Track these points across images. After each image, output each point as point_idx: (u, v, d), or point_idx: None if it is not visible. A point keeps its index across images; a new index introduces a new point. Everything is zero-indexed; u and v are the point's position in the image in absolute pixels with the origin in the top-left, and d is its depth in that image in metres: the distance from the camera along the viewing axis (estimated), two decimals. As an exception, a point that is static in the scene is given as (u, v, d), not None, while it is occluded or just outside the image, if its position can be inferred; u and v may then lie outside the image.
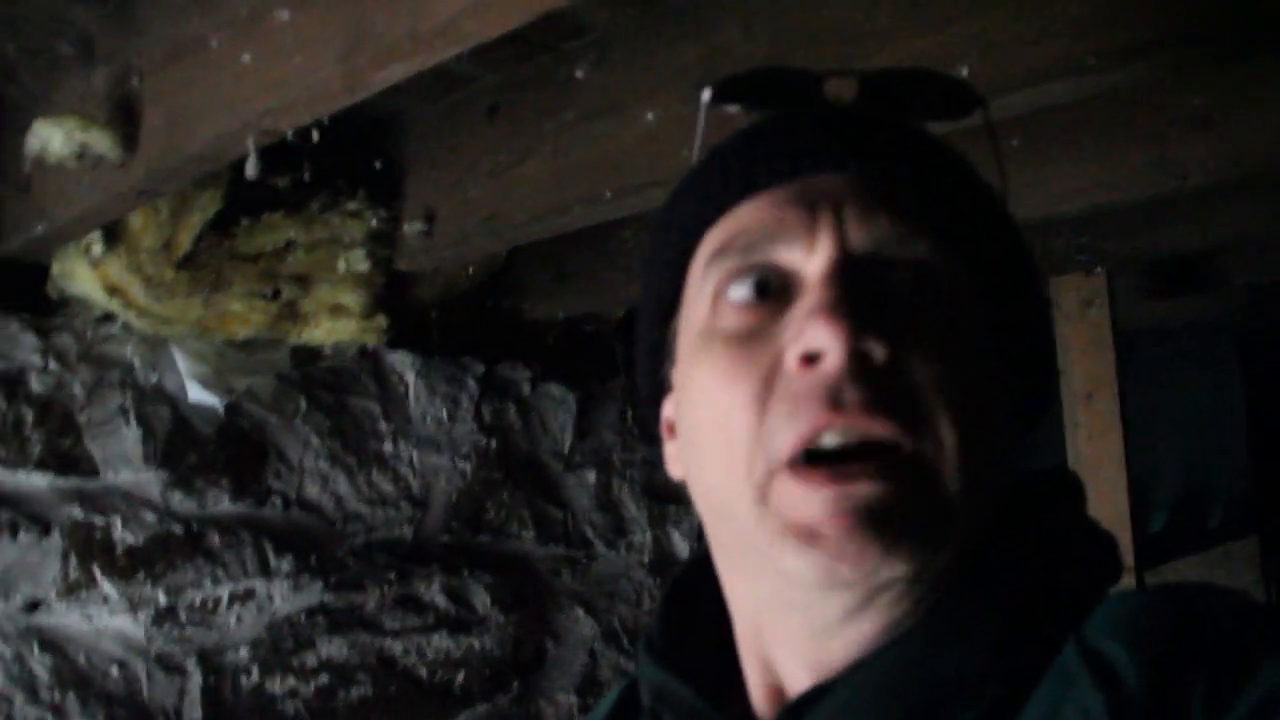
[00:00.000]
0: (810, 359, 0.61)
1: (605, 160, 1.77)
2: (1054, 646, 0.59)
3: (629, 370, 2.89)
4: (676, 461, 0.76)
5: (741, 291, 0.66)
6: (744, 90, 0.76)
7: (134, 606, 2.00)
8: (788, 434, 0.61)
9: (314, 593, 2.24)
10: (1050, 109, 1.89)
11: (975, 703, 0.59)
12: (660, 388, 0.78)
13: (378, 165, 2.10)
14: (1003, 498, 0.68)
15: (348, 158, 2.05)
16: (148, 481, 2.06)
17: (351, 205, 2.09)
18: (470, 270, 2.49)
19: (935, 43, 1.45)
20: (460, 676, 2.42)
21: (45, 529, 1.92)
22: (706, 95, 0.75)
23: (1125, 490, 2.51)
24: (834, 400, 0.60)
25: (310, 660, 2.21)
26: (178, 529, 2.08)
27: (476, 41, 1.16)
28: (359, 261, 2.10)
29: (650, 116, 1.69)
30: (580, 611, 2.69)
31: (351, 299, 2.13)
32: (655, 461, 2.89)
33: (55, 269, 1.95)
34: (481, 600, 2.49)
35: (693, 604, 0.78)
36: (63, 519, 1.95)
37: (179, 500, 2.09)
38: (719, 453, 0.65)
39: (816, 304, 0.61)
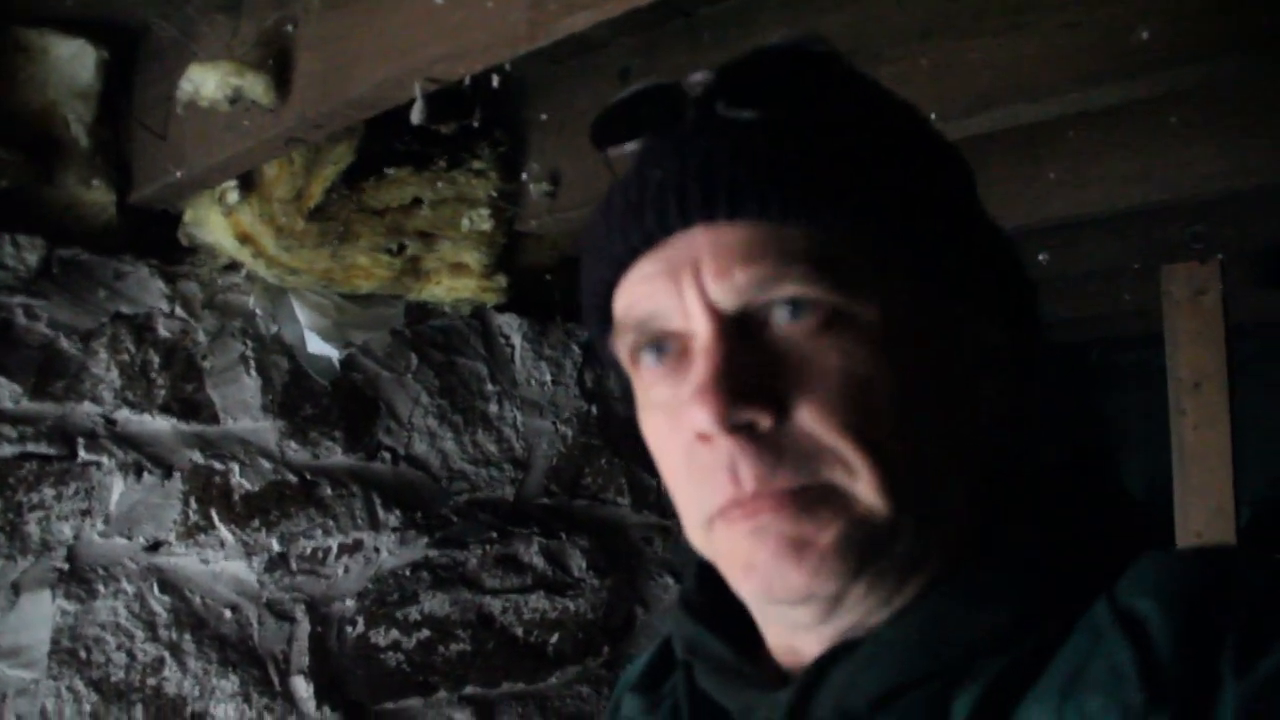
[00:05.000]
0: (702, 436, 0.64)
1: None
2: (1084, 605, 0.61)
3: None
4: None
5: (649, 360, 0.69)
6: (617, 127, 0.72)
7: (248, 552, 2.02)
8: (705, 503, 0.66)
9: (419, 548, 2.25)
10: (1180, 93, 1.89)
11: (1001, 656, 0.61)
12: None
13: (499, 129, 2.10)
14: (1007, 464, 0.71)
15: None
16: (264, 430, 2.08)
17: (478, 164, 2.09)
18: (573, 236, 2.49)
19: (1110, 14, 1.44)
20: (554, 638, 2.43)
21: (168, 472, 1.94)
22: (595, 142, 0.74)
23: (1230, 482, 2.48)
24: (732, 475, 0.63)
25: (413, 614, 2.22)
26: (292, 478, 2.09)
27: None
28: (483, 221, 2.11)
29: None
30: (670, 580, 2.69)
31: (473, 257, 2.13)
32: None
33: (188, 216, 1.96)
34: (577, 563, 2.49)
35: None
36: (184, 463, 1.97)
37: (294, 450, 2.10)
38: (675, 493, 0.70)
39: (693, 383, 0.63)
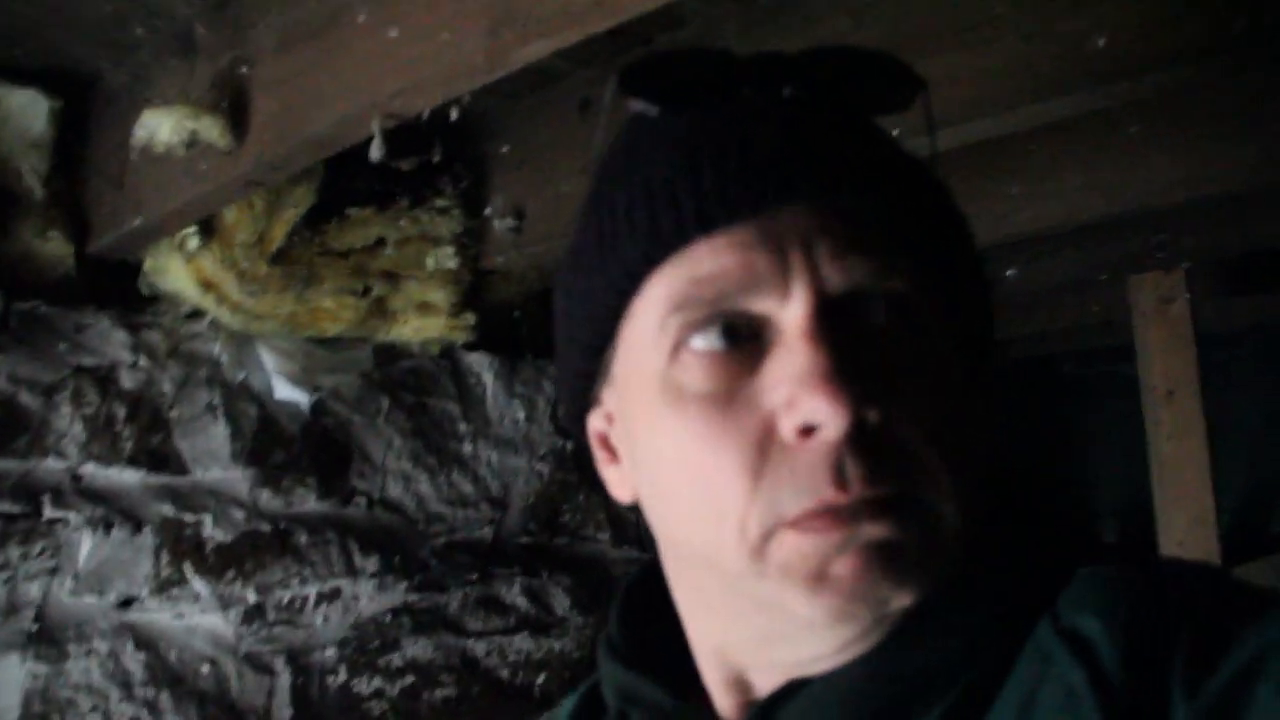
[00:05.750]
0: (807, 429, 0.58)
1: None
2: (1027, 628, 0.59)
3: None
4: (622, 485, 0.73)
5: (709, 342, 0.61)
6: (659, 81, 0.66)
7: (224, 605, 1.98)
8: (792, 505, 0.58)
9: (398, 593, 2.22)
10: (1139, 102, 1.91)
11: (952, 689, 0.59)
12: (586, 406, 0.73)
13: (461, 165, 2.09)
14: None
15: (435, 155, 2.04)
16: (235, 479, 2.04)
17: (441, 202, 2.08)
18: (541, 270, 2.48)
19: (1068, 26, 1.44)
20: (540, 678, 2.40)
21: (137, 526, 1.90)
22: (612, 86, 0.67)
23: (1209, 490, 2.48)
24: (838, 475, 0.57)
25: (395, 660, 2.18)
26: (265, 527, 2.06)
27: (632, 15, 1.15)
28: (448, 259, 2.09)
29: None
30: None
31: (440, 296, 2.11)
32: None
33: (148, 265, 1.93)
34: (560, 602, 2.46)
35: (648, 607, 0.77)
36: (154, 516, 1.93)
37: (266, 498, 2.07)
38: (699, 510, 0.62)
39: (809, 370, 0.58)
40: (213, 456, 2.02)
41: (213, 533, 1.99)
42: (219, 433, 2.03)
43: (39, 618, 1.77)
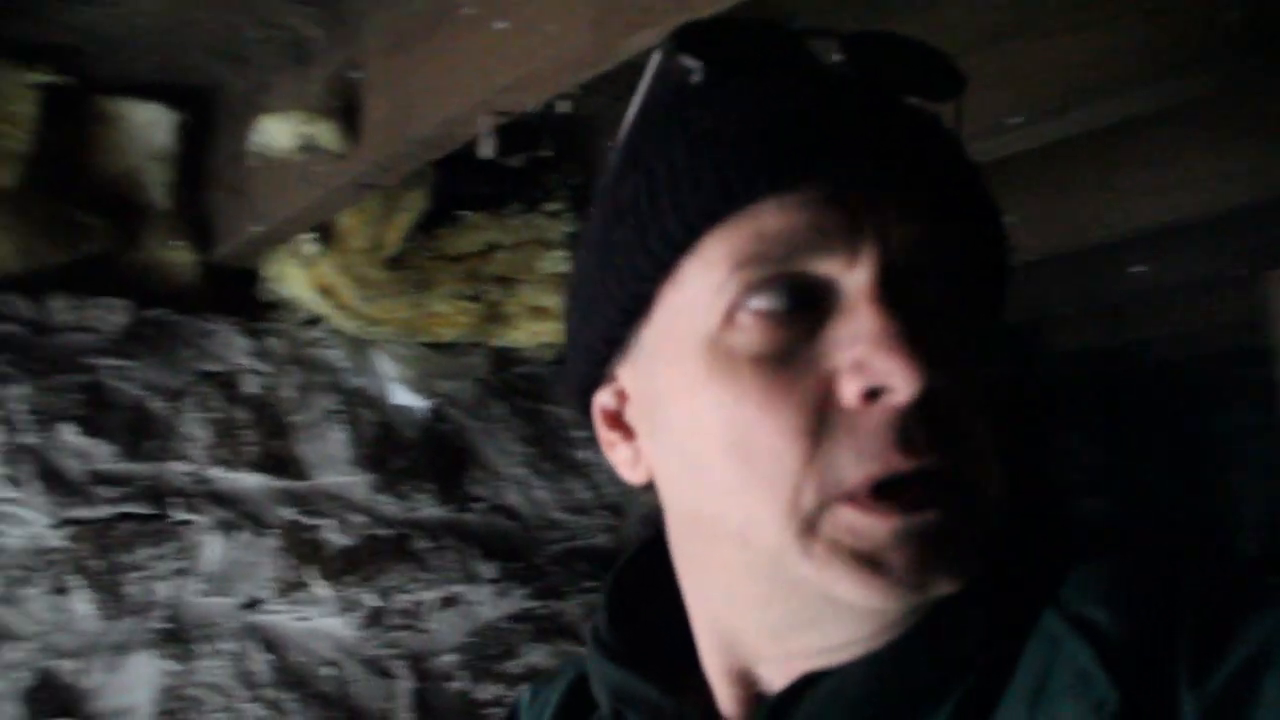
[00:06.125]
0: (873, 393, 0.56)
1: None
2: (1032, 618, 0.59)
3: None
4: (635, 465, 0.70)
5: (772, 303, 0.59)
6: (715, 43, 0.66)
7: (345, 608, 2.00)
8: (854, 471, 0.57)
9: (517, 599, 2.21)
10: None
11: (966, 679, 0.59)
12: (598, 380, 0.71)
13: (572, 165, 2.08)
14: None
15: (546, 158, 2.04)
16: (355, 484, 2.06)
17: (552, 205, 2.07)
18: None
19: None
20: (660, 687, 2.36)
21: (261, 529, 1.93)
22: (663, 47, 0.66)
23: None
24: (905, 440, 0.56)
25: (514, 667, 2.18)
26: (385, 532, 2.07)
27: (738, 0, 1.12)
28: (560, 262, 2.08)
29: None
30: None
31: (553, 299, 2.10)
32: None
33: (267, 272, 1.97)
34: (679, 609, 2.43)
35: (637, 597, 0.75)
36: (276, 520, 1.96)
37: (386, 503, 2.08)
38: (742, 481, 0.60)
39: (881, 332, 0.56)
40: (332, 461, 2.04)
41: (333, 536, 2.01)
42: (338, 438, 2.05)
43: (170, 618, 1.81)
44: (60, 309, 1.79)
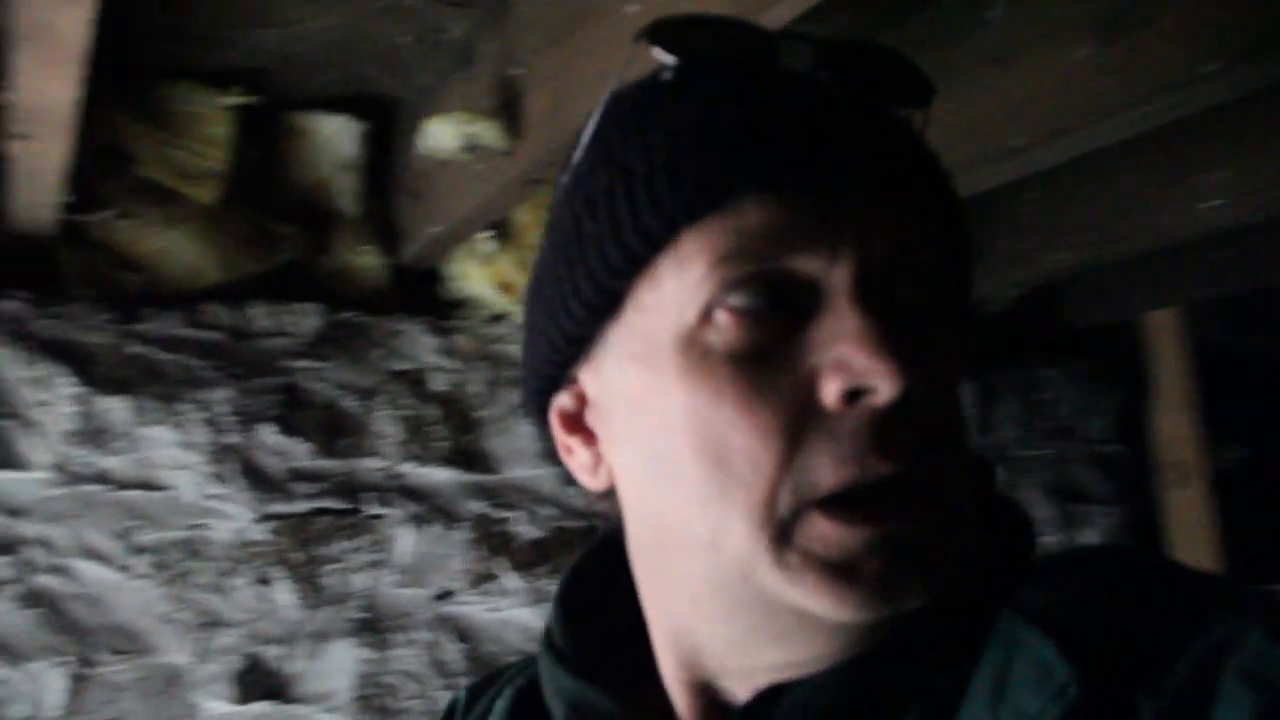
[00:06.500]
0: (854, 394, 0.55)
1: (1011, 109, 1.62)
2: (992, 620, 0.58)
3: (1029, 355, 2.70)
4: (594, 470, 0.68)
5: (751, 300, 0.58)
6: (691, 39, 0.64)
7: (535, 599, 2.03)
8: (831, 475, 0.55)
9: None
10: None
11: (930, 684, 0.58)
12: (557, 381, 0.68)
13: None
14: None
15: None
16: (543, 477, 2.10)
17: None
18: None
19: None
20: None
21: (452, 522, 1.99)
22: (637, 41, 0.64)
23: None
24: (885, 445, 0.55)
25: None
26: (574, 524, 2.10)
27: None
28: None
29: (1079, 54, 1.53)
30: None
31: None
32: (1068, 458, 2.66)
33: (450, 271, 2.02)
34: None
35: (589, 605, 0.73)
36: (467, 513, 2.01)
37: (574, 495, 2.11)
38: (713, 485, 0.58)
39: (864, 332, 0.55)
40: (520, 455, 2.08)
41: (523, 529, 2.05)
42: (525, 432, 2.09)
43: (366, 607, 1.88)
44: (258, 315, 1.90)
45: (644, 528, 0.66)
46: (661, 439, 0.60)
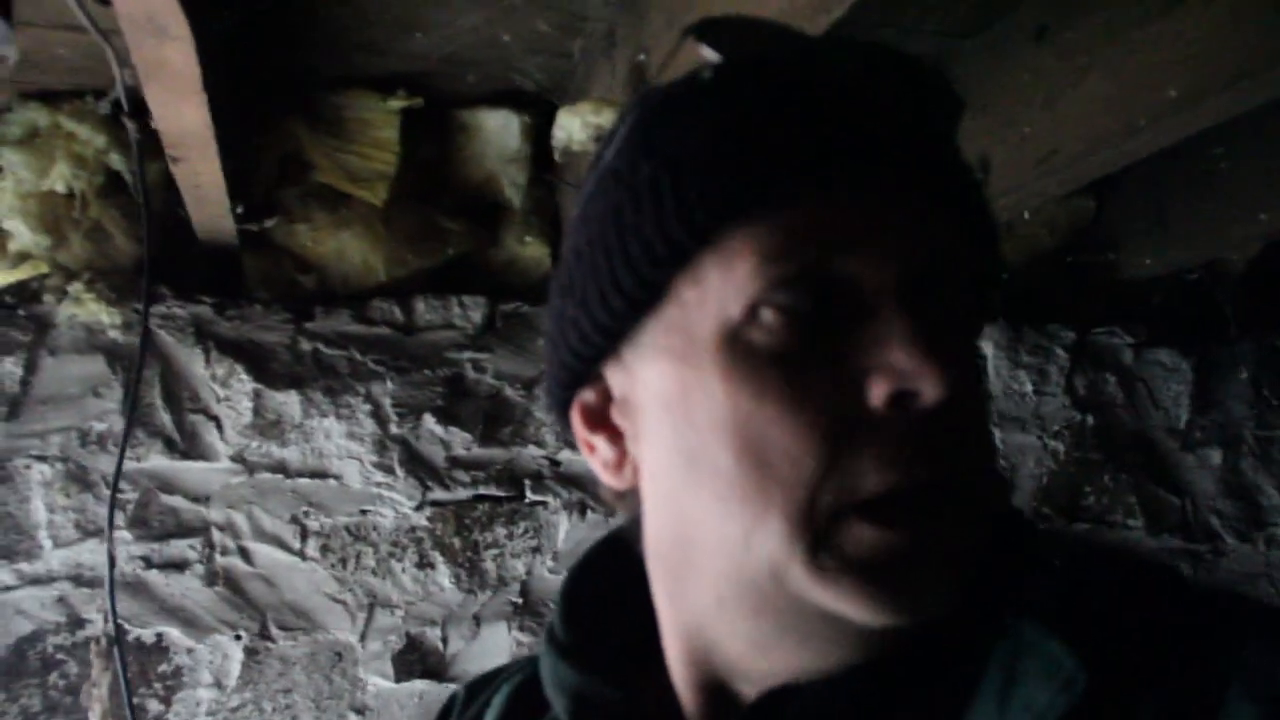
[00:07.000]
0: (900, 397, 0.55)
1: (1174, 61, 1.46)
2: (1002, 622, 0.59)
3: (1254, 327, 2.43)
4: (619, 468, 0.67)
5: (799, 300, 0.57)
6: (737, 39, 0.65)
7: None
8: (874, 478, 0.55)
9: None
10: None
11: (942, 685, 0.58)
12: (583, 376, 0.67)
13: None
14: None
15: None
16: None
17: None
18: (1051, 226, 2.23)
19: None
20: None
21: (610, 510, 2.00)
22: (684, 38, 0.67)
23: None
24: (930, 450, 0.55)
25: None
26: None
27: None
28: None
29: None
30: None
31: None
32: None
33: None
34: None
35: (593, 601, 0.74)
36: (629, 500, 2.02)
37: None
38: (750, 485, 0.57)
39: (910, 335, 0.55)
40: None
41: (688, 516, 2.03)
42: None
43: (523, 592, 1.93)
44: (424, 309, 1.97)
45: (668, 526, 0.66)
46: (698, 437, 0.60)
